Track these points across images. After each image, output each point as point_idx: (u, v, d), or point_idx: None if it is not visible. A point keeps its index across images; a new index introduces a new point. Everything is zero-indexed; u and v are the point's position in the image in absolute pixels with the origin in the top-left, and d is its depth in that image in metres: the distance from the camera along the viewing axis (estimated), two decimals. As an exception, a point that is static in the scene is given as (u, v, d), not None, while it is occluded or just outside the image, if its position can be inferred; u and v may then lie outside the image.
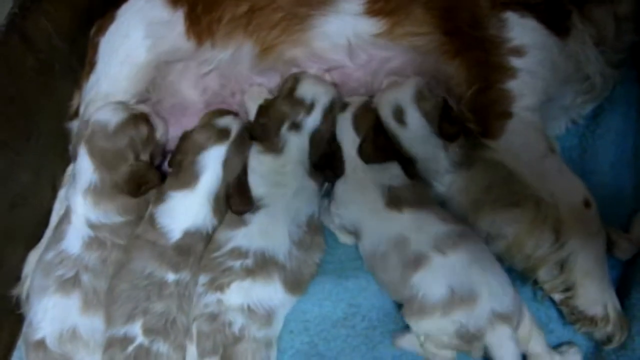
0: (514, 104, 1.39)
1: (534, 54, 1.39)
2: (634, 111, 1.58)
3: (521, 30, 1.40)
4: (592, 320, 1.30)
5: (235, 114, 1.56)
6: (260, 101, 1.56)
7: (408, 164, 1.45)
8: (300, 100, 1.47)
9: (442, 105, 1.46)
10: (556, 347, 1.33)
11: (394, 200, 1.40)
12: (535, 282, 1.37)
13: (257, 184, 1.46)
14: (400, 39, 1.50)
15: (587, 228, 1.32)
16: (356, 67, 1.56)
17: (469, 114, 1.44)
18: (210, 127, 1.47)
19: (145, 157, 1.49)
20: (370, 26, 1.50)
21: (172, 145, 1.56)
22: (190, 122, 1.57)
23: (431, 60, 1.50)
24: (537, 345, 1.27)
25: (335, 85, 1.55)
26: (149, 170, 1.48)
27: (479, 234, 1.38)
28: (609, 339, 1.29)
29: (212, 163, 1.43)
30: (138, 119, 1.49)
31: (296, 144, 1.46)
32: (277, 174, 1.45)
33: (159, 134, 1.55)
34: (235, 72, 1.60)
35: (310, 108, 1.47)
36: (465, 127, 1.44)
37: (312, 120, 1.48)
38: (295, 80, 1.52)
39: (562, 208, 1.34)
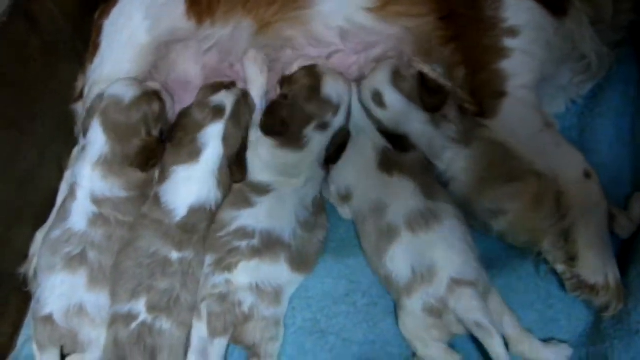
0: (508, 83, 1.41)
1: (528, 34, 1.40)
2: (632, 90, 1.58)
3: (516, 10, 1.41)
4: (593, 289, 1.31)
5: (229, 85, 1.57)
6: (258, 65, 1.59)
7: (395, 139, 1.47)
8: (327, 100, 1.47)
9: (419, 79, 1.48)
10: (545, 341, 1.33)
11: (388, 163, 1.44)
12: (538, 255, 1.39)
13: (266, 173, 1.47)
14: (394, 18, 1.52)
15: (589, 198, 1.34)
16: (349, 50, 1.59)
17: (465, 95, 1.46)
18: (206, 104, 1.49)
19: (156, 132, 1.52)
20: (364, 1, 1.51)
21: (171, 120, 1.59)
22: (190, 97, 1.60)
23: (424, 42, 1.52)
24: (511, 325, 1.28)
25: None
26: (159, 146, 1.50)
27: (480, 212, 1.41)
28: (606, 307, 1.31)
29: (212, 140, 1.45)
30: (151, 95, 1.53)
31: (319, 142, 1.47)
32: (292, 167, 1.47)
33: (168, 110, 1.58)
34: (234, 48, 1.62)
35: (337, 109, 1.48)
36: (460, 106, 1.47)
37: (339, 120, 1.48)
38: (313, 77, 1.50)
39: (563, 180, 1.36)
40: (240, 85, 1.61)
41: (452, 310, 1.24)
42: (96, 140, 1.46)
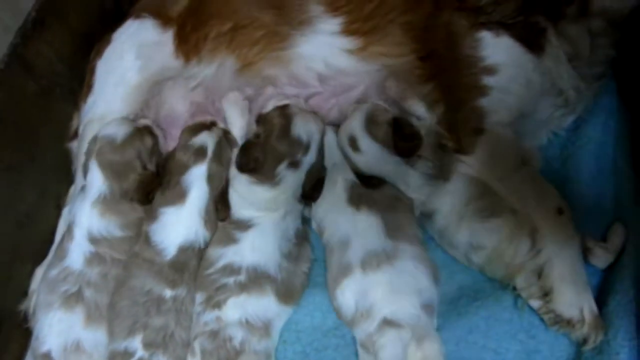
0: (486, 120, 1.45)
1: (506, 72, 1.44)
2: (613, 122, 1.60)
3: (494, 49, 1.44)
4: (569, 323, 1.34)
5: (210, 125, 1.60)
6: (239, 107, 1.63)
7: (365, 177, 1.52)
8: (297, 140, 1.50)
9: (393, 125, 1.52)
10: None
11: (357, 198, 1.49)
12: (515, 289, 1.42)
13: (246, 209, 1.50)
14: (374, 59, 1.56)
15: (562, 234, 1.37)
16: (327, 93, 1.62)
17: (444, 131, 1.50)
18: (188, 147, 1.53)
19: (151, 166, 1.56)
20: (345, 43, 1.56)
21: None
22: (178, 133, 1.63)
23: (403, 81, 1.55)
24: None
25: (316, 113, 1.60)
26: (156, 179, 1.55)
27: (460, 244, 1.45)
28: (585, 340, 1.33)
29: (196, 181, 1.50)
30: (142, 131, 1.57)
31: (292, 180, 1.50)
32: (269, 202, 1.50)
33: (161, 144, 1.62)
34: (218, 86, 1.66)
35: (307, 147, 1.51)
36: (440, 143, 1.50)
37: (309, 158, 1.52)
38: (284, 117, 1.53)
39: (537, 217, 1.39)
40: (221, 123, 1.64)
41: (373, 347, 1.30)
42: (94, 181, 1.50)
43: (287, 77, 1.62)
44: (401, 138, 1.51)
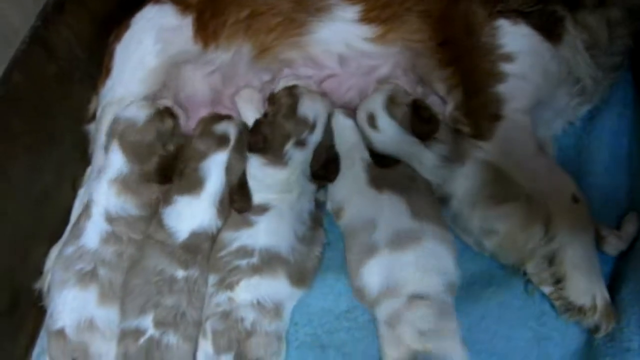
0: (504, 107, 1.44)
1: (523, 60, 1.43)
2: (629, 113, 1.60)
3: (512, 38, 1.44)
4: (581, 310, 1.33)
5: (230, 117, 1.62)
6: (251, 103, 1.65)
7: (378, 155, 1.53)
8: (303, 119, 1.52)
9: (413, 107, 1.53)
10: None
11: (377, 179, 1.49)
12: (526, 274, 1.42)
13: (262, 192, 1.51)
14: (393, 44, 1.57)
15: (576, 222, 1.36)
16: (346, 74, 1.64)
17: (462, 116, 1.50)
18: (210, 134, 1.55)
19: (171, 147, 1.57)
20: (364, 31, 1.57)
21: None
22: (195, 120, 1.66)
23: (422, 65, 1.56)
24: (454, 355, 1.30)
25: (326, 94, 1.63)
26: (175, 160, 1.56)
27: (473, 229, 1.46)
28: (596, 328, 1.33)
29: (215, 170, 1.51)
30: (163, 112, 1.59)
31: (300, 158, 1.52)
32: (283, 184, 1.51)
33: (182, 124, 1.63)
34: (235, 71, 1.68)
35: (313, 126, 1.53)
36: (456, 128, 1.51)
37: (315, 137, 1.54)
38: (291, 96, 1.56)
39: (552, 204, 1.39)
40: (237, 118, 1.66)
41: (405, 322, 1.30)
42: (115, 161, 1.52)
43: (304, 59, 1.63)
44: (419, 120, 1.52)
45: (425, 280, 1.34)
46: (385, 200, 1.46)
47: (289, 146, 1.50)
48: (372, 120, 1.54)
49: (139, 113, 1.55)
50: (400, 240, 1.39)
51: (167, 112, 1.60)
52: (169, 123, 1.58)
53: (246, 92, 1.69)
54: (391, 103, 1.54)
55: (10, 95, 1.51)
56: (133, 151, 1.52)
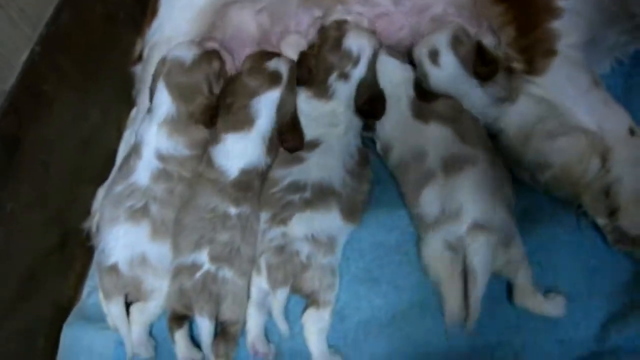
0: (559, 42, 1.45)
1: None
2: (680, 51, 1.60)
3: None
4: (634, 242, 1.34)
5: (279, 54, 1.62)
6: (297, 48, 1.65)
7: (422, 90, 1.55)
8: (347, 52, 1.55)
9: (476, 48, 1.56)
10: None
11: (422, 112, 1.51)
12: (579, 207, 1.42)
13: (311, 127, 1.53)
14: None
15: (633, 154, 1.37)
16: (399, 13, 1.64)
17: (515, 53, 1.50)
18: (261, 71, 1.54)
19: (217, 90, 1.57)
20: None
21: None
22: (245, 55, 1.65)
23: (476, 1, 1.56)
24: (524, 278, 1.31)
25: (375, 32, 1.63)
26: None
27: (526, 164, 1.46)
28: None
29: (266, 107, 1.50)
30: (211, 54, 1.58)
31: (344, 92, 1.54)
32: (330, 117, 1.53)
33: (228, 68, 1.63)
34: (284, 9, 1.68)
35: (357, 60, 1.55)
36: (508, 66, 1.52)
37: (359, 72, 1.55)
38: (339, 30, 1.58)
39: (608, 137, 1.39)
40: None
41: (464, 250, 1.30)
42: (162, 102, 1.51)
43: None
44: (482, 62, 1.55)
45: (487, 205, 1.34)
46: (433, 129, 1.47)
47: (332, 79, 1.53)
48: (434, 56, 1.56)
49: (187, 53, 1.55)
50: (454, 164, 1.39)
51: (215, 55, 1.60)
52: (216, 65, 1.58)
53: (292, 38, 1.69)
54: (456, 41, 1.56)
55: (59, 33, 1.51)
56: (179, 91, 1.52)
